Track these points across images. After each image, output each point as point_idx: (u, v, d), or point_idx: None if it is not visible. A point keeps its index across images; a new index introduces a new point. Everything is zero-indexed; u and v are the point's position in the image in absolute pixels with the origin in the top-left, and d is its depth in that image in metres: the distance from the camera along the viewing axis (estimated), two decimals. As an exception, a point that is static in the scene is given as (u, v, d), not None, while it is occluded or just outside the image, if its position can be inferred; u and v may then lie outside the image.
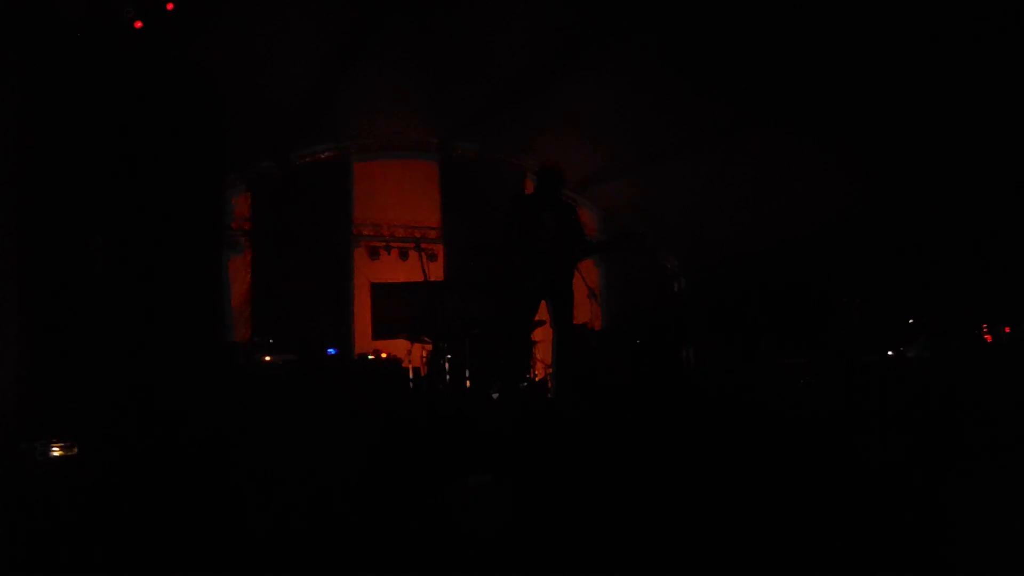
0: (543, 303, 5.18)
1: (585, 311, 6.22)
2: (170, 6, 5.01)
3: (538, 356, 7.11)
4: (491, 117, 8.39)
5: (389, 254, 9.16)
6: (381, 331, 8.76)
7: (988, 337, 5.86)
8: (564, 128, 7.94)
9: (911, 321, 6.39)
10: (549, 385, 7.00)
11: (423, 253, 7.71)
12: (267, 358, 6.30)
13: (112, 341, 4.43)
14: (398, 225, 9.29)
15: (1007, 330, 5.83)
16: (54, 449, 3.58)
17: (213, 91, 5.29)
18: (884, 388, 6.32)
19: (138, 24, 5.12)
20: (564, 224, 5.38)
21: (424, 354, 7.26)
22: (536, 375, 7.24)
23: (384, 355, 7.16)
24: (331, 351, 6.91)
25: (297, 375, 6.03)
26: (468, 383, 6.54)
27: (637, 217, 9.36)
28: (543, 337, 6.40)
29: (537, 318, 5.42)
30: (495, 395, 6.19)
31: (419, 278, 7.31)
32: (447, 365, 6.65)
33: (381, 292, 8.98)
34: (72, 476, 3.37)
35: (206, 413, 4.50)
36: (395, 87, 7.67)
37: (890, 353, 7.14)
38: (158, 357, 4.54)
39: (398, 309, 8.54)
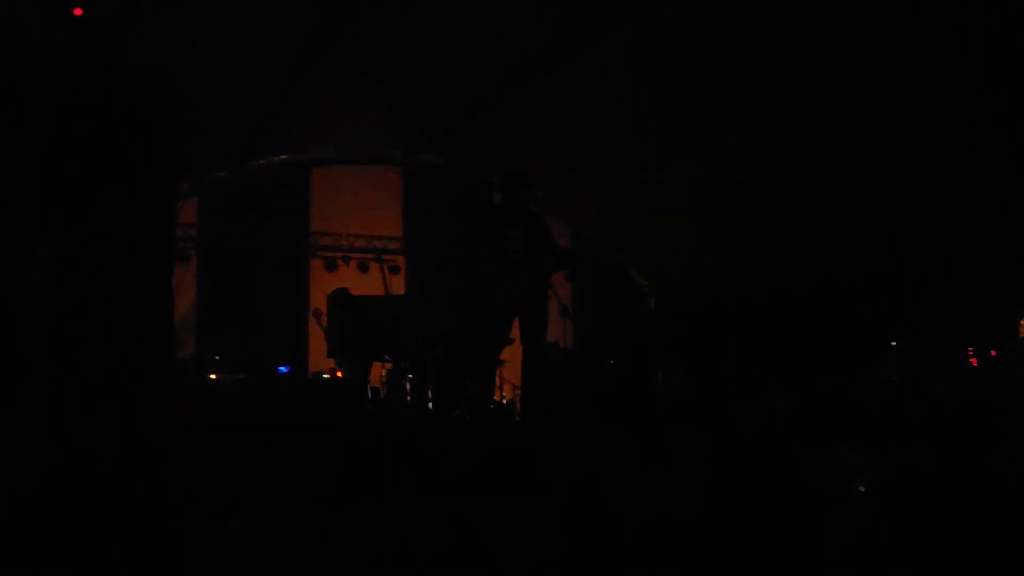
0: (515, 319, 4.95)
1: (556, 329, 6.02)
2: (78, 11, 4.65)
3: (506, 376, 6.86)
4: (457, 129, 8.19)
5: (348, 266, 8.74)
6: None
7: (974, 360, 5.73)
8: (532, 142, 7.76)
9: (892, 343, 6.26)
10: (517, 407, 6.79)
11: (384, 265, 7.46)
12: (213, 376, 6.04)
13: (53, 358, 4.13)
14: (358, 235, 8.88)
15: (992, 353, 5.71)
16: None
17: (167, 96, 5.07)
18: (854, 408, 6.24)
19: (78, 12, 4.80)
20: (533, 235, 5.19)
21: (384, 373, 6.95)
22: (504, 396, 6.98)
23: (340, 374, 6.86)
24: (283, 369, 6.61)
25: (246, 395, 5.62)
26: (431, 405, 6.26)
27: (606, 233, 9.22)
28: (510, 357, 6.19)
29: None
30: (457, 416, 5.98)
31: (380, 292, 6.96)
32: (408, 385, 6.38)
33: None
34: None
35: (152, 438, 4.30)
36: (358, 97, 7.45)
37: (862, 374, 7.04)
38: (103, 376, 4.31)
39: (357, 325, 8.18)
